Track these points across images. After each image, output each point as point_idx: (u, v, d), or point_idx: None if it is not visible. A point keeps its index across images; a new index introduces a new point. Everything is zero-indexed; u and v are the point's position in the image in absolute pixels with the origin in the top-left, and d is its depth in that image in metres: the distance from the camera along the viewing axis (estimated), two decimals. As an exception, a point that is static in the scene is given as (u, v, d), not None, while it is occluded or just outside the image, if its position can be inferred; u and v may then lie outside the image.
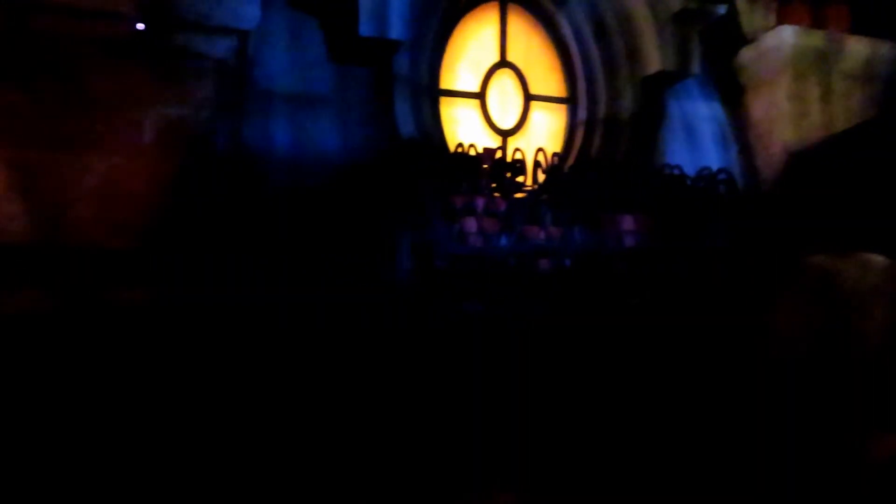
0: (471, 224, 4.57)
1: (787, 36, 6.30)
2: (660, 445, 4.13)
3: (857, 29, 6.68)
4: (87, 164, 4.17)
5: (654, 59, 5.98)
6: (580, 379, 4.16)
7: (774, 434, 3.54)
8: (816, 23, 6.56)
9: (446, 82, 5.79)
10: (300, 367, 3.94)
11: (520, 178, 4.99)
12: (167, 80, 4.38)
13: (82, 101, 4.22)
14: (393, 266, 4.48)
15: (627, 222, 5.02)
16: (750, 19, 6.52)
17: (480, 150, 4.93)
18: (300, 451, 3.94)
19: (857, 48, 6.51)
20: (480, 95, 5.92)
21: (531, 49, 6.15)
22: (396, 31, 5.06)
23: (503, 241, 4.67)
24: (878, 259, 3.73)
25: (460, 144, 5.06)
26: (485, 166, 4.84)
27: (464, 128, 5.80)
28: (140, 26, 4.24)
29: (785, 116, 6.39)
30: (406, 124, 5.23)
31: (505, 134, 5.95)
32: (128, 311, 3.95)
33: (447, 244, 4.44)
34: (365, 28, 4.96)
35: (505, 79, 6.02)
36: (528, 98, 6.07)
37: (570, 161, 5.93)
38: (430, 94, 5.54)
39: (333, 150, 5.15)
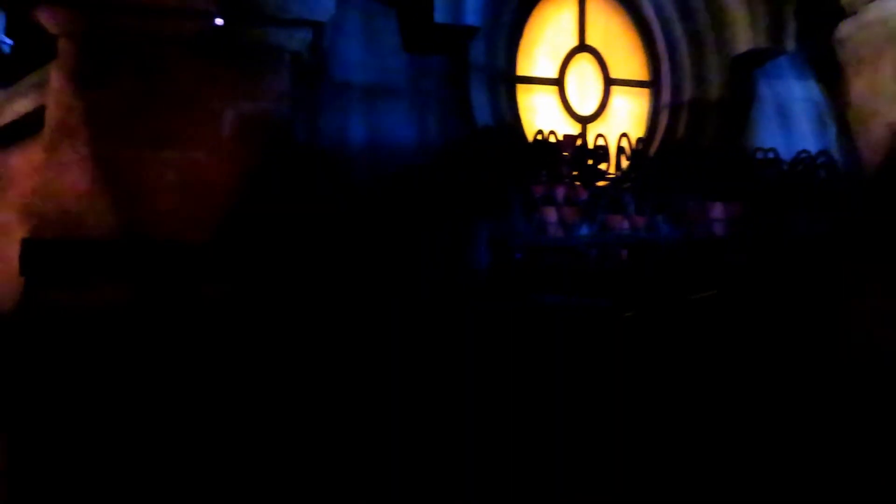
0: (550, 214, 4.41)
1: (892, 7, 5.82)
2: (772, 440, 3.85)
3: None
4: (168, 159, 4.22)
5: (744, 37, 5.65)
6: (671, 375, 3.94)
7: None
8: (924, -8, 6.03)
9: (523, 69, 5.63)
10: (379, 360, 3.87)
11: (602, 166, 4.79)
12: (244, 75, 4.39)
13: (163, 97, 4.28)
14: (471, 259, 4.36)
15: (717, 210, 4.75)
16: (849, -9, 6.06)
17: (560, 138, 4.76)
18: (381, 442, 3.88)
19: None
20: (558, 81, 5.73)
21: (611, 32, 5.91)
22: (472, 16, 4.94)
23: (584, 231, 4.49)
24: None
25: (539, 131, 4.89)
26: (565, 154, 4.66)
27: (541, 115, 5.63)
28: (219, 22, 4.27)
29: (890, 95, 5.91)
30: (482, 113, 5.11)
31: (584, 121, 5.74)
32: (205, 303, 3.99)
33: (526, 235, 4.30)
34: (440, 14, 4.87)
35: (584, 63, 5.81)
36: (609, 82, 5.84)
37: (654, 147, 5.67)
38: (506, 81, 5.40)
39: (409, 142, 5.08)
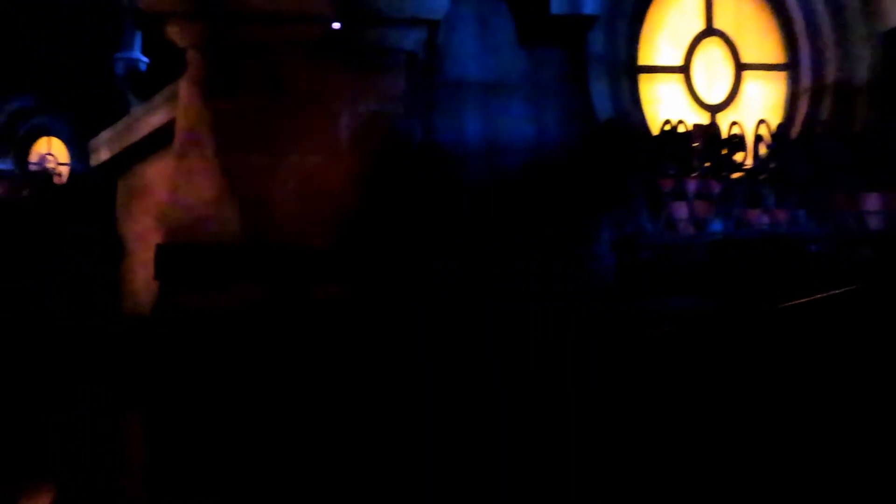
0: (680, 209, 4.11)
1: None
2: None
3: None
4: (289, 164, 4.29)
5: (897, 10, 5.08)
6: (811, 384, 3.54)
7: None
8: None
9: (645, 57, 5.33)
10: (497, 367, 3.74)
11: (737, 156, 4.42)
12: (361, 77, 4.40)
13: (283, 104, 4.36)
14: (594, 259, 4.14)
15: (872, 201, 4.26)
16: None
17: (689, 127, 4.44)
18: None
19: None
20: (684, 69, 5.38)
21: (742, 13, 5.48)
22: (590, 5, 4.72)
23: (718, 227, 4.15)
24: None
25: (667, 121, 4.59)
26: (695, 145, 4.34)
27: (666, 105, 5.30)
28: (336, 26, 4.29)
29: None
30: (603, 106, 4.87)
31: (713, 109, 5.35)
32: (327, 305, 4.00)
33: (654, 233, 4.03)
34: (557, 5, 4.68)
35: (712, 49, 5.42)
36: (740, 67, 5.41)
37: (794, 135, 5.20)
38: (627, 71, 5.13)
39: (526, 138, 4.92)
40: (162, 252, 4.14)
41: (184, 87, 4.53)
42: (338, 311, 3.88)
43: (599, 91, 4.89)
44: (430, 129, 4.75)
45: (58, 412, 4.69)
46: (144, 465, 4.03)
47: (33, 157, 13.63)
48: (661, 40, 5.37)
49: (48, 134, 13.53)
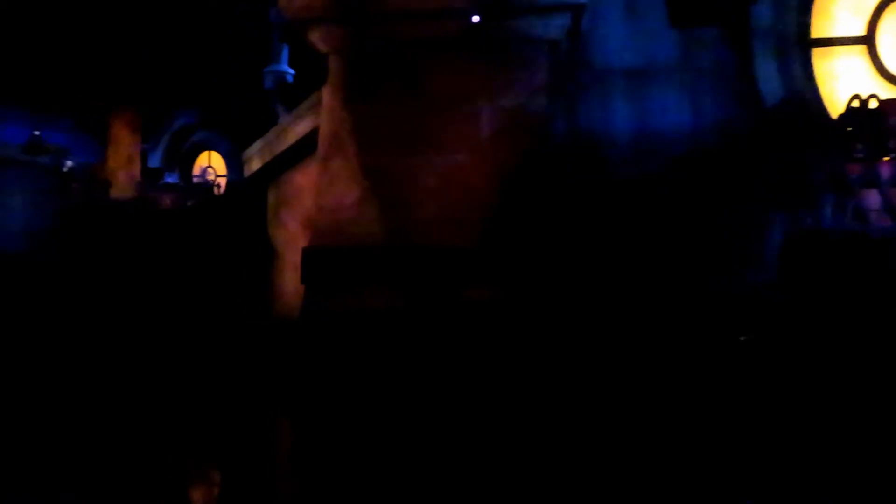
0: (871, 198, 3.56)
1: None
2: None
3: None
4: (429, 164, 4.17)
5: None
6: None
7: None
8: None
9: (819, 29, 4.73)
10: (661, 371, 3.41)
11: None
12: (501, 71, 4.20)
13: (423, 103, 4.25)
14: (765, 254, 3.69)
15: None
16: None
17: (879, 103, 3.85)
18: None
19: None
20: (867, 39, 4.72)
21: (936, -29, 4.75)
22: (754, -25, 4.25)
23: (918, 218, 3.56)
24: None
25: (855, 96, 4.00)
26: (890, 123, 3.75)
27: (845, 82, 4.67)
28: (475, 19, 4.12)
29: None
30: (770, 86, 4.36)
31: (905, 84, 4.66)
32: (471, 307, 3.84)
33: (839, 226, 3.52)
34: (715, -22, 4.25)
35: (900, 14, 4.74)
36: (937, 34, 4.68)
37: None
38: (799, 45, 4.57)
39: (681, 127, 4.51)
40: (308, 255, 4.16)
41: (326, 93, 4.55)
42: (485, 314, 3.71)
43: (766, 70, 4.39)
44: (574, 122, 4.47)
45: (216, 409, 4.90)
46: (293, 461, 4.08)
47: (196, 170, 14.69)
48: (839, 9, 4.74)
49: (209, 148, 14.53)
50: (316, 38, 4.45)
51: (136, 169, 13.24)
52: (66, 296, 6.48)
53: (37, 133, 11.62)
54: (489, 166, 4.10)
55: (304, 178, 6.44)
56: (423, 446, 3.70)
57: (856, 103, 3.90)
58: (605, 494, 3.16)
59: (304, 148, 6.25)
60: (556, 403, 3.63)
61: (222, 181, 14.11)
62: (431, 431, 3.73)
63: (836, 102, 4.36)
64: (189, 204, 10.93)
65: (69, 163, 11.42)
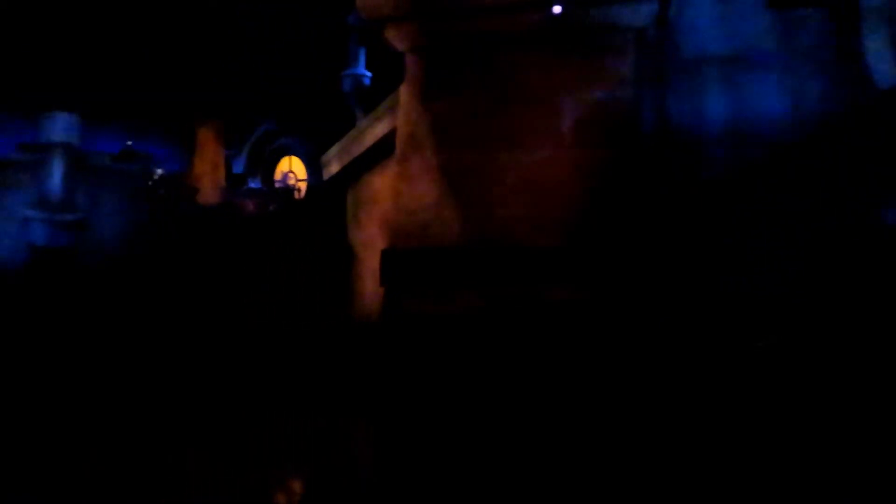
0: None
1: None
2: None
3: None
4: (510, 160, 4.03)
5: None
6: None
7: None
8: None
9: (938, 4, 4.32)
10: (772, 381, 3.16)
11: None
12: (585, 63, 4.02)
13: (502, 98, 4.12)
14: (876, 257, 3.38)
15: None
16: None
17: None
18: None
19: None
20: None
21: None
22: (863, -53, 3.91)
23: None
24: None
25: None
26: None
27: (967, 62, 4.25)
28: (557, 10, 3.96)
29: None
30: (882, 67, 3.99)
31: None
32: (556, 309, 3.69)
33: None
34: (814, -47, 3.94)
35: None
36: None
37: None
38: (914, 23, 4.18)
39: (779, 116, 4.19)
40: (387, 257, 4.10)
41: (403, 93, 4.48)
42: (570, 315, 3.54)
43: (877, 51, 4.02)
44: (663, 114, 4.23)
45: (297, 410, 4.95)
46: (373, 462, 4.04)
47: (277, 175, 15.03)
48: (959, -19, 4.32)
49: (289, 153, 14.85)
50: (392, 36, 4.38)
51: (221, 175, 13.67)
52: (157, 297, 6.68)
53: (129, 143, 12.17)
54: (572, 162, 3.92)
55: (382, 181, 6.42)
56: (504, 448, 3.60)
57: None
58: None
59: (382, 150, 6.22)
60: (640, 405, 3.46)
61: (303, 185, 14.38)
62: (513, 433, 3.62)
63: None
64: (271, 209, 11.17)
65: (159, 171, 11.89)
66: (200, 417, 4.84)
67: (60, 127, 6.16)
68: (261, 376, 5.53)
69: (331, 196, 7.51)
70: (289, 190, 14.09)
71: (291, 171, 14.96)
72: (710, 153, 4.17)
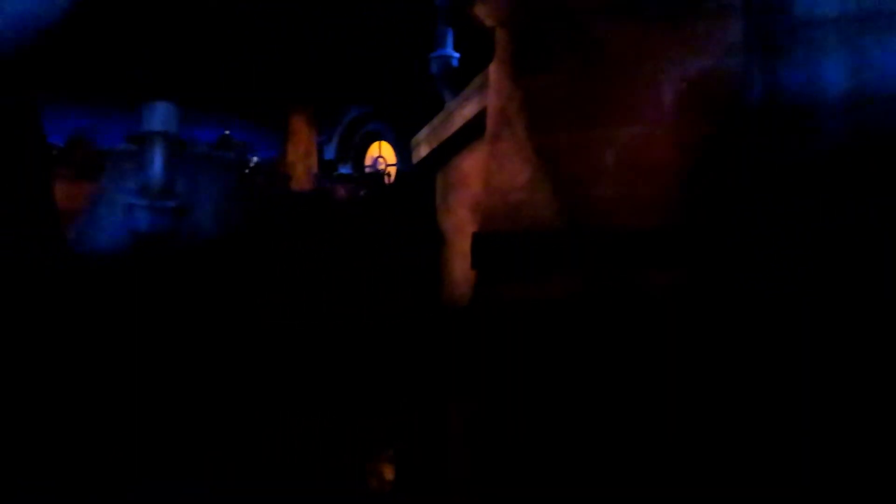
0: None
1: None
2: None
3: None
4: (607, 138, 3.82)
5: None
6: None
7: None
8: None
9: None
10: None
11: None
12: (687, 29, 3.75)
13: (596, 73, 3.91)
14: None
15: None
16: None
17: None
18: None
19: None
20: None
21: None
22: None
23: None
24: None
25: None
26: None
27: None
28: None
29: None
30: None
31: None
32: (655, 293, 3.48)
33: None
34: None
35: None
36: None
37: None
38: None
39: (909, 82, 3.79)
40: (478, 241, 3.99)
41: (493, 70, 4.34)
42: (670, 299, 3.33)
43: None
44: (774, 83, 3.91)
45: (390, 394, 4.96)
46: (463, 446, 4.00)
47: (368, 160, 15.19)
48: None
49: (379, 138, 14.97)
50: (481, 12, 4.25)
51: (313, 162, 13.94)
52: (254, 282, 6.85)
53: (226, 132, 12.59)
54: (674, 137, 3.68)
55: (472, 163, 6.32)
56: (596, 435, 3.48)
57: None
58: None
59: (472, 131, 6.12)
60: (740, 392, 3.23)
61: (392, 170, 14.48)
62: (606, 420, 3.49)
63: None
64: (361, 194, 11.28)
65: (255, 159, 12.24)
66: (297, 397, 4.93)
67: (160, 116, 6.39)
68: (354, 360, 5.57)
69: (420, 180, 7.48)
70: (378, 175, 14.22)
71: (381, 156, 15.07)
72: (826, 125, 3.82)
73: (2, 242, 3.95)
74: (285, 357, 5.69)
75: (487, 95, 4.60)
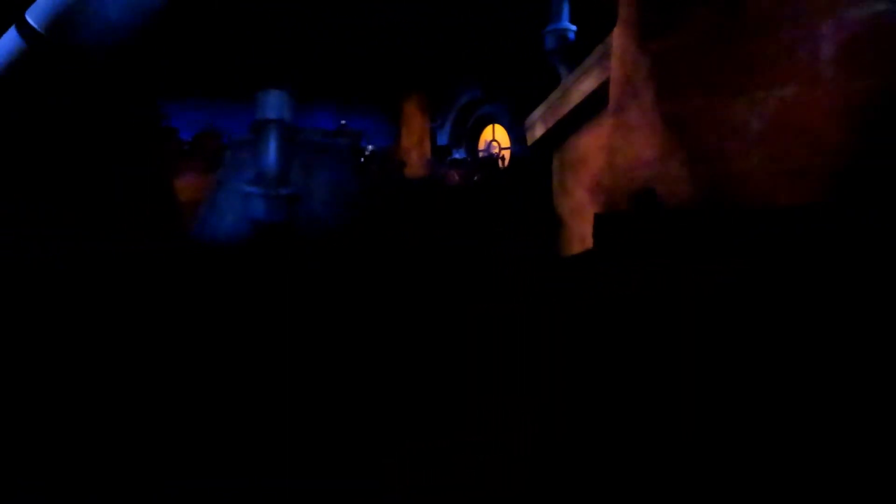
0: None
1: None
2: None
3: None
4: (751, 103, 3.36)
5: None
6: None
7: None
8: None
9: None
10: None
11: None
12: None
13: (736, 29, 3.44)
14: None
15: None
16: None
17: None
18: None
19: None
20: None
21: None
22: None
23: None
24: None
25: None
26: None
27: None
28: None
29: None
30: None
31: None
32: (815, 277, 3.02)
33: None
34: None
35: None
36: None
37: None
38: None
39: None
40: (600, 223, 3.64)
41: (616, 36, 3.96)
42: (833, 284, 2.86)
43: None
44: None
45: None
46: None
47: (481, 144, 14.95)
48: None
49: (492, 121, 14.68)
50: (601, -29, 3.88)
51: (427, 148, 13.88)
52: (373, 269, 6.81)
53: (343, 122, 12.74)
54: (833, 99, 3.17)
55: (592, 141, 5.95)
56: (753, 443, 3.06)
57: None
58: None
59: (591, 107, 5.75)
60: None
61: (506, 154, 14.17)
62: (759, 423, 3.06)
63: None
64: (475, 179, 11.07)
65: (370, 147, 12.32)
66: (424, 384, 4.84)
67: (273, 104, 6.43)
68: (464, 351, 5.39)
69: (535, 162, 7.18)
70: (492, 159, 13.94)
71: (495, 140, 14.78)
72: None
73: (120, 236, 4.04)
74: (408, 345, 5.59)
75: (609, 66, 4.24)
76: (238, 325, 4.83)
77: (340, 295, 6.06)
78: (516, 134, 12.80)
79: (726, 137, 3.40)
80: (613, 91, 3.87)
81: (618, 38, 3.92)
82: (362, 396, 4.51)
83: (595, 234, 3.70)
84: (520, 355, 3.89)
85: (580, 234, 5.85)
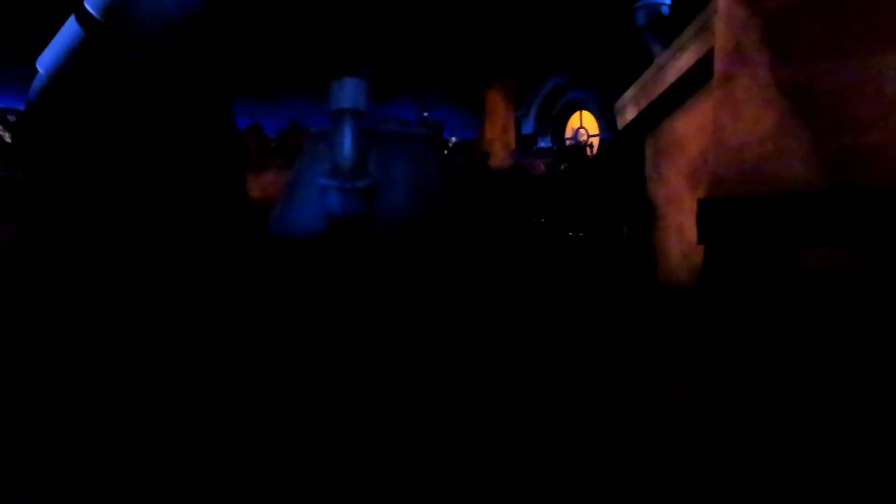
0: None
1: None
2: None
3: None
4: (883, 67, 2.87)
5: None
6: None
7: None
8: None
9: None
10: None
11: None
12: None
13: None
14: None
15: None
16: None
17: None
18: None
19: None
20: None
21: None
22: None
23: None
24: None
25: None
26: None
27: None
28: None
29: None
30: None
31: None
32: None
33: None
34: None
35: None
36: None
37: None
38: None
39: None
40: (705, 208, 3.23)
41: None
42: None
43: None
44: None
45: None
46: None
47: (567, 132, 14.50)
48: None
49: (579, 108, 14.20)
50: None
51: (511, 138, 13.57)
52: (453, 262, 6.63)
53: (424, 114, 12.61)
54: None
55: (690, 122, 5.49)
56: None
57: None
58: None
59: (689, 85, 5.30)
60: None
61: (595, 141, 13.66)
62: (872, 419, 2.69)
63: None
64: (562, 168, 10.69)
65: (453, 139, 12.13)
66: (508, 375, 4.71)
67: (348, 92, 6.27)
68: (572, 335, 5.27)
69: (626, 149, 6.80)
70: (580, 147, 13.47)
71: (582, 127, 14.27)
72: None
73: (197, 230, 3.97)
74: (492, 338, 5.42)
75: (709, 39, 3.82)
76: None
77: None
78: (606, 120, 12.29)
79: (855, 109, 2.93)
80: (719, 61, 3.44)
81: (723, 1, 3.49)
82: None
83: (699, 222, 3.30)
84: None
85: (677, 224, 5.42)
